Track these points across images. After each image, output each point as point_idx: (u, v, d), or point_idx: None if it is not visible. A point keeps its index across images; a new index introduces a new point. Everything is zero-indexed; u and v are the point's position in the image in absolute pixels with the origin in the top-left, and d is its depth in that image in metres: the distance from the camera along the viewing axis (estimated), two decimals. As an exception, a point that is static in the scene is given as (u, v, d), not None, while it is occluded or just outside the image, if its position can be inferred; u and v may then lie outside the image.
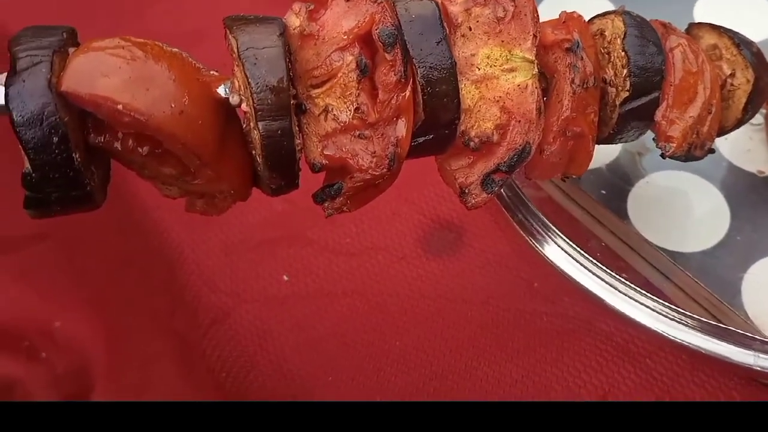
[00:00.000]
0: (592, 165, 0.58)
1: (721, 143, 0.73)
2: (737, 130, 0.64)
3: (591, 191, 0.72)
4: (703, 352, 0.57)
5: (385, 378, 0.69)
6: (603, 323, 0.69)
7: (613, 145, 0.61)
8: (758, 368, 0.57)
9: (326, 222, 0.50)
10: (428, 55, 0.47)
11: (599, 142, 0.57)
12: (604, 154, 0.74)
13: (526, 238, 0.63)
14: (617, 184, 0.73)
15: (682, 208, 0.72)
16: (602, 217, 0.72)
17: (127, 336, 0.72)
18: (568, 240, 0.62)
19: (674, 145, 0.56)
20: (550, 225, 0.62)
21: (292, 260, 0.76)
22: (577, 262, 0.61)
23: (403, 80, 0.46)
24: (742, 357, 0.57)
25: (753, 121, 0.65)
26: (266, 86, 0.44)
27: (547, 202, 0.74)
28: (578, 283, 0.61)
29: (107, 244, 0.78)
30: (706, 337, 0.57)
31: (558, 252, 0.62)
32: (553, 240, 0.62)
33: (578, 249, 0.61)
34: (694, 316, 0.58)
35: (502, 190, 0.54)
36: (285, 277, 0.75)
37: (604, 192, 0.72)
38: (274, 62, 0.44)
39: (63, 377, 0.70)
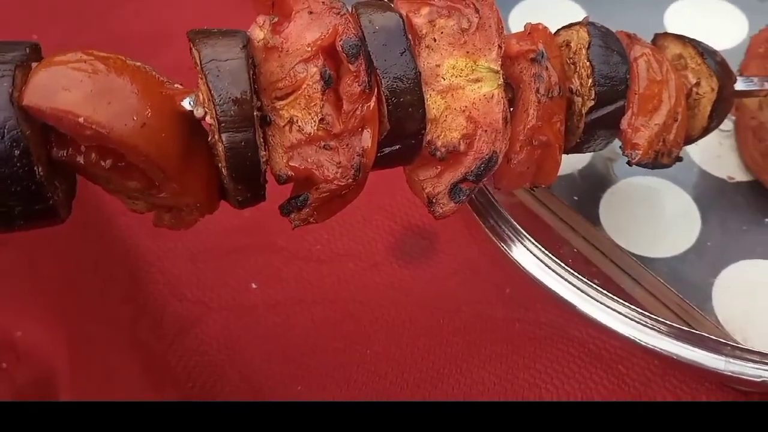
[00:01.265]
0: (564, 171, 0.58)
1: (692, 149, 0.73)
2: (707, 137, 0.64)
3: (563, 197, 0.72)
4: (675, 357, 0.57)
5: (356, 387, 0.68)
6: (575, 329, 0.69)
7: (583, 152, 0.61)
8: (729, 373, 0.57)
9: (296, 229, 0.49)
10: (392, 66, 0.47)
11: (568, 152, 0.57)
12: (576, 160, 0.74)
13: (498, 243, 0.63)
14: (589, 190, 0.73)
15: (653, 214, 0.73)
16: (574, 223, 0.72)
17: (90, 346, 0.71)
18: (540, 245, 0.61)
19: (640, 152, 0.56)
20: (522, 231, 0.62)
21: (261, 268, 0.75)
22: (549, 268, 0.61)
23: (367, 91, 0.46)
24: (713, 362, 0.57)
25: (722, 127, 0.65)
26: (229, 98, 0.44)
27: (519, 208, 0.74)
28: (550, 289, 0.61)
29: (69, 251, 0.77)
30: (678, 343, 0.57)
31: (530, 258, 0.62)
32: (524, 246, 0.62)
33: (550, 255, 0.61)
34: (666, 321, 0.58)
35: (473, 195, 0.54)
36: (253, 285, 0.74)
37: (576, 198, 0.73)
38: (236, 74, 0.44)
39: (24, 388, 0.68)
